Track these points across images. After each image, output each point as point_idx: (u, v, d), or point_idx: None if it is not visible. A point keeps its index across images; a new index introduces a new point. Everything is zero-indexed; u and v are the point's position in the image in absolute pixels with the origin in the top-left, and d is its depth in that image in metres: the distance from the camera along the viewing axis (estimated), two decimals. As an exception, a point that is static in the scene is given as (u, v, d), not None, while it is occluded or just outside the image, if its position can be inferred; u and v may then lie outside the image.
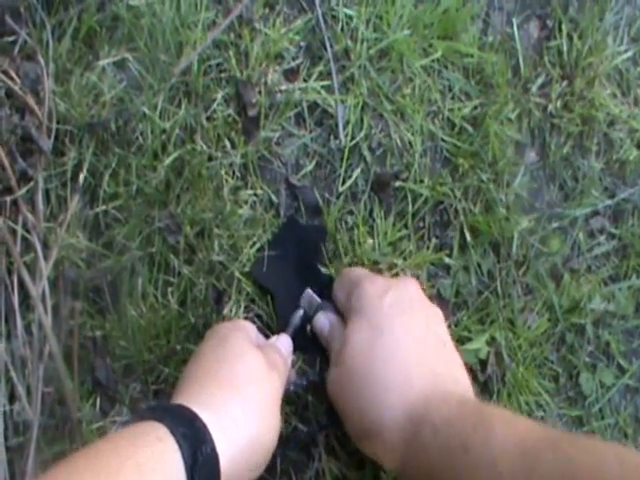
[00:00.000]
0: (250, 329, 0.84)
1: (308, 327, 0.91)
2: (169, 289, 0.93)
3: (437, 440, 0.70)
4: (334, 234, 0.97)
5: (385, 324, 0.81)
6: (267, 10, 0.99)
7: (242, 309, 0.93)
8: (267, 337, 0.88)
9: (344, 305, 0.88)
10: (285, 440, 0.84)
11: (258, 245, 0.94)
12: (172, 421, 0.62)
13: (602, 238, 1.13)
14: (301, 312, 0.91)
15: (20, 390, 0.88)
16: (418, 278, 1.00)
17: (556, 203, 1.11)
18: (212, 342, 0.78)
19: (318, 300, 0.92)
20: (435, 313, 0.88)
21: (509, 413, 0.75)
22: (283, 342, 0.87)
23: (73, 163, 0.91)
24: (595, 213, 1.13)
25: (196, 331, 0.92)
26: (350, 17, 1.01)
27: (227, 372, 0.72)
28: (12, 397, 0.89)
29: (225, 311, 0.92)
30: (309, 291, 0.93)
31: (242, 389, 0.71)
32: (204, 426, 0.64)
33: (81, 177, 0.90)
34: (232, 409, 0.68)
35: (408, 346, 0.80)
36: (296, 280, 0.95)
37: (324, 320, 0.90)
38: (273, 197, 0.96)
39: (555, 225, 1.10)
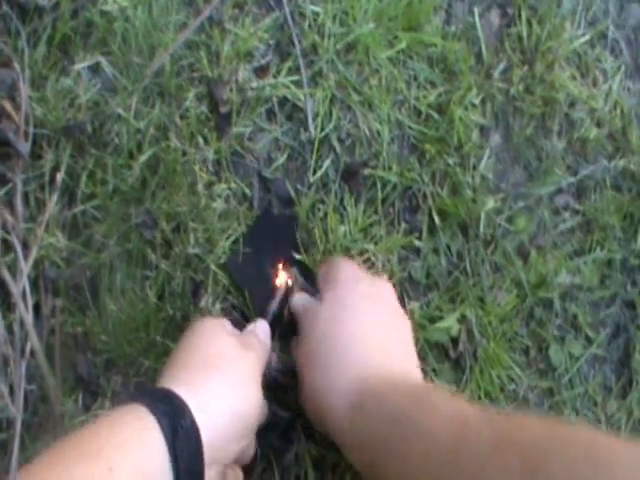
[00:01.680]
0: (225, 323, 0.86)
1: (286, 312, 0.95)
2: (147, 283, 0.96)
3: (381, 410, 0.74)
4: (307, 223, 1.01)
5: (354, 304, 0.86)
6: (236, 10, 1.01)
7: (219, 300, 0.97)
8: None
9: (322, 286, 0.92)
10: (265, 425, 0.88)
11: (233, 238, 0.98)
12: (151, 400, 0.65)
13: (566, 215, 1.17)
14: (278, 300, 0.95)
15: (3, 388, 0.90)
16: (389, 262, 1.04)
17: (521, 183, 1.15)
18: (187, 334, 0.81)
19: (301, 279, 0.96)
20: (404, 319, 0.93)
21: (450, 392, 0.80)
22: (260, 326, 0.89)
23: (51, 165, 0.93)
24: (559, 191, 1.17)
25: (174, 323, 0.95)
26: (317, 13, 1.04)
27: (203, 354, 0.75)
28: (-5, 395, 0.92)
29: (202, 303, 0.96)
30: (296, 269, 0.97)
31: (218, 366, 0.74)
32: (182, 402, 0.66)
33: (59, 178, 0.93)
34: (209, 384, 0.71)
35: (369, 330, 0.84)
36: (271, 271, 0.99)
37: (300, 299, 0.94)
38: (246, 190, 1.00)
39: (521, 204, 1.14)
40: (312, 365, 0.83)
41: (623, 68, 1.21)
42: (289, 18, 1.03)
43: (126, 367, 0.95)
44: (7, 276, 0.89)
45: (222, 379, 0.72)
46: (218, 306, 0.96)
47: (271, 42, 1.03)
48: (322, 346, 0.82)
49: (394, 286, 1.04)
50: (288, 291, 0.96)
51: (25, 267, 0.90)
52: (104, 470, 0.57)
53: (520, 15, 1.15)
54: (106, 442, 0.60)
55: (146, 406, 0.64)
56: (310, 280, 0.99)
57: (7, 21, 0.94)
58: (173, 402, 0.66)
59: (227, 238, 0.97)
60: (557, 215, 1.17)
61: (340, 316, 0.84)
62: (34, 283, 0.92)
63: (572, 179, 1.17)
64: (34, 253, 0.91)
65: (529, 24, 1.15)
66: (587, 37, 1.18)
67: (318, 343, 0.82)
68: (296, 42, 1.03)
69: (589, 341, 1.19)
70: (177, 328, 0.95)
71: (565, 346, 1.17)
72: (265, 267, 0.98)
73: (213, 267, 0.96)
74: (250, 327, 0.89)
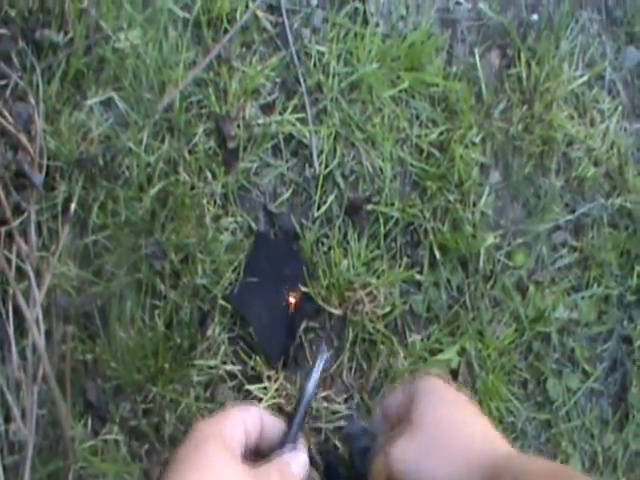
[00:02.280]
0: (237, 434, 0.67)
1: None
2: (156, 312, 0.98)
3: None
4: (311, 257, 1.04)
5: (451, 406, 0.76)
6: (244, 49, 1.05)
7: (225, 330, 0.99)
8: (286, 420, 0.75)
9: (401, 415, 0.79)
10: None
11: (239, 269, 1.01)
12: None
13: (564, 251, 1.20)
14: (316, 376, 0.75)
15: (15, 412, 0.92)
16: (391, 295, 1.06)
17: (520, 220, 1.18)
18: (186, 449, 0.64)
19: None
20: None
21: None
22: (299, 460, 0.70)
23: (63, 196, 0.96)
24: (557, 228, 1.20)
25: (182, 351, 0.98)
26: (322, 53, 1.07)
27: None
28: (7, 418, 0.93)
29: (209, 332, 0.98)
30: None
31: None
32: None
33: (71, 209, 0.96)
34: None
35: (469, 417, 0.76)
36: (274, 298, 1.02)
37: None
38: (252, 224, 1.02)
39: (519, 240, 1.17)
40: (427, 463, 0.71)
41: (620, 108, 1.25)
42: (295, 57, 1.07)
43: (134, 394, 0.97)
44: (22, 303, 0.91)
45: None
46: (225, 335, 0.98)
47: (277, 80, 1.06)
48: (441, 440, 0.72)
49: (396, 320, 1.07)
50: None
51: (38, 295, 0.92)
52: None
53: (520, 56, 1.18)
54: None
55: None
56: (314, 309, 1.02)
57: (23, 57, 0.98)
58: None
59: (234, 270, 1.00)
60: (555, 251, 1.19)
61: (440, 420, 0.74)
62: (46, 310, 0.94)
63: (570, 216, 1.20)
64: (47, 282, 0.94)
65: (528, 65, 1.18)
66: (585, 78, 1.22)
67: (435, 438, 0.72)
68: (302, 80, 1.06)
69: (586, 375, 1.21)
70: (184, 356, 0.97)
71: (563, 379, 1.19)
72: (270, 294, 1.01)
73: (220, 297, 0.99)
74: (285, 454, 0.71)
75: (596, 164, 1.22)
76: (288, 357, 1.03)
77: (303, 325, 1.03)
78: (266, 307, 1.01)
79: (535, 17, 1.22)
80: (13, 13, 0.99)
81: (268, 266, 1.02)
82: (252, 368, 1.01)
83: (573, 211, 1.21)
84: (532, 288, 1.17)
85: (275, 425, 0.72)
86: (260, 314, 1.00)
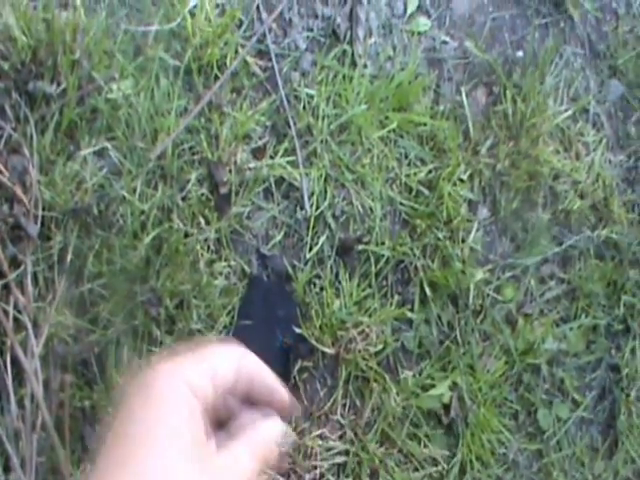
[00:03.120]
0: (203, 386, 0.50)
1: None
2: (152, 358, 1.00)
3: None
4: (304, 297, 1.05)
5: None
6: (234, 95, 1.07)
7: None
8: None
9: None
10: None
11: (233, 313, 1.02)
12: None
13: (552, 283, 1.22)
14: None
15: (15, 461, 0.93)
16: (383, 333, 1.08)
17: (508, 254, 1.20)
18: (141, 408, 0.48)
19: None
20: None
21: None
22: (278, 432, 0.55)
23: (59, 247, 0.97)
24: (545, 260, 1.22)
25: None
26: (311, 96, 1.09)
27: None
28: (7, 468, 0.94)
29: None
30: None
31: None
32: None
33: (67, 259, 0.97)
34: None
35: None
36: (269, 339, 1.04)
37: None
38: (245, 267, 1.04)
39: (508, 274, 1.19)
40: None
41: (604, 141, 1.27)
42: (285, 101, 1.09)
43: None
44: (20, 354, 0.93)
45: None
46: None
47: (268, 124, 1.08)
48: None
49: (388, 357, 1.09)
50: None
51: (36, 345, 0.94)
52: None
53: (505, 93, 1.21)
54: None
55: None
56: (308, 350, 1.04)
57: (16, 109, 0.99)
58: None
59: (228, 313, 1.02)
60: (543, 284, 1.22)
61: None
62: (44, 359, 0.96)
63: (557, 249, 1.22)
64: (45, 332, 0.95)
65: (514, 101, 1.21)
66: (569, 112, 1.24)
67: None
68: (292, 124, 1.08)
69: (576, 404, 1.23)
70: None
71: (553, 409, 1.21)
72: (264, 336, 1.03)
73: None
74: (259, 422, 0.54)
75: (582, 197, 1.24)
76: None
77: (297, 365, 1.05)
78: (261, 349, 1.02)
79: (520, 54, 1.24)
80: (6, 66, 1.00)
81: (262, 308, 1.04)
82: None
83: (560, 243, 1.23)
84: (521, 321, 1.19)
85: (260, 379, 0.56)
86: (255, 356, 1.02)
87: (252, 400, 0.55)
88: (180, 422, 0.48)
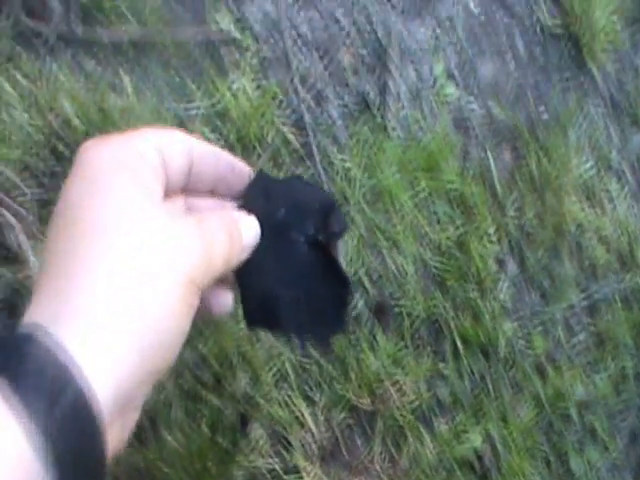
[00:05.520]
0: (151, 164, 0.47)
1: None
2: (200, 417, 1.07)
3: None
4: (340, 355, 1.12)
5: None
6: (271, 163, 1.14)
7: (267, 431, 1.08)
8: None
9: None
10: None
11: (277, 374, 1.09)
12: (16, 370, 0.37)
13: (581, 332, 1.28)
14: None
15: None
16: (418, 387, 1.15)
17: (537, 306, 1.25)
18: (76, 185, 0.44)
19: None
20: None
21: None
22: (249, 224, 0.52)
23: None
24: (573, 311, 1.28)
25: (225, 451, 1.06)
26: (346, 165, 1.16)
27: (102, 250, 0.41)
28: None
29: (252, 434, 1.07)
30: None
31: (132, 279, 0.41)
32: (63, 365, 0.38)
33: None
34: (110, 315, 0.40)
35: None
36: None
37: None
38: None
39: (537, 325, 1.25)
40: None
41: (628, 192, 1.33)
42: (320, 169, 1.16)
43: (184, 498, 1.06)
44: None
45: (132, 304, 0.41)
46: (264, 432, 1.07)
47: (306, 192, 1.15)
48: None
49: (422, 410, 1.15)
50: None
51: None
52: None
53: (530, 151, 1.27)
54: None
55: (8, 380, 0.37)
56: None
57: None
58: (48, 367, 0.38)
59: (273, 375, 1.09)
60: (572, 333, 1.27)
61: None
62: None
63: (584, 299, 1.27)
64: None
65: (538, 159, 1.26)
66: (593, 166, 1.30)
67: None
68: (327, 191, 1.15)
69: (607, 449, 1.28)
70: (228, 456, 1.06)
71: (584, 455, 1.26)
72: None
73: (260, 400, 1.08)
74: (228, 210, 0.53)
75: (607, 247, 1.29)
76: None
77: (340, 417, 1.12)
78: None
79: (544, 113, 1.30)
80: (65, 150, 1.09)
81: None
82: (290, 462, 1.10)
83: (587, 293, 1.28)
84: (551, 369, 1.24)
85: (228, 167, 0.52)
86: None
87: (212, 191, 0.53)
88: (130, 185, 0.44)
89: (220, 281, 0.50)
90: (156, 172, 0.47)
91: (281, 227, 0.56)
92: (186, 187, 0.52)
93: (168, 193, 0.49)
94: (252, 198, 0.55)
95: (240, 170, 0.53)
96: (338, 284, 0.56)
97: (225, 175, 0.53)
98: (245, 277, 0.54)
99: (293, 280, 0.56)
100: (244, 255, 0.50)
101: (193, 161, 0.50)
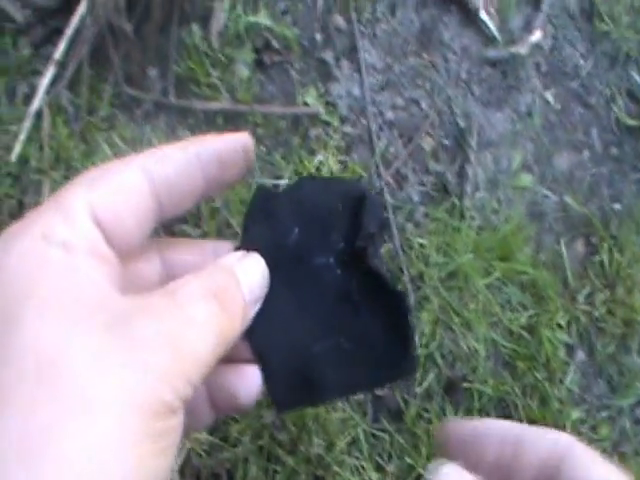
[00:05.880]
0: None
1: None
2: (276, 476, 1.12)
3: None
4: (412, 429, 1.16)
5: None
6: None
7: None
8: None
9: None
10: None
11: (349, 439, 1.13)
12: None
13: (647, 424, 1.29)
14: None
15: None
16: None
17: (604, 395, 1.27)
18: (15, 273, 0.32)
19: None
20: None
21: None
22: (251, 265, 0.40)
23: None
24: (640, 402, 1.30)
25: (298, 514, 1.11)
26: (423, 245, 1.22)
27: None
28: None
29: (323, 498, 1.11)
30: None
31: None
32: None
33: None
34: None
35: None
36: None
37: None
38: (361, 401, 1.16)
39: (604, 414, 1.26)
40: None
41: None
42: (399, 249, 1.22)
43: None
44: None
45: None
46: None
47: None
48: None
49: None
50: None
51: (177, 458, 1.07)
52: None
53: (602, 244, 1.31)
54: None
55: None
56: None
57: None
58: None
59: (345, 440, 1.13)
60: (638, 425, 1.28)
61: None
62: (181, 470, 1.09)
63: (652, 391, 1.29)
64: (185, 446, 1.09)
65: (611, 252, 1.30)
66: (664, 262, 1.33)
67: None
68: (405, 270, 1.21)
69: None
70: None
71: None
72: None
73: (333, 464, 1.12)
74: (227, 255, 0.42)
75: (676, 341, 1.32)
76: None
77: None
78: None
79: (617, 207, 1.34)
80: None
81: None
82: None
83: (655, 386, 1.30)
84: (617, 459, 1.25)
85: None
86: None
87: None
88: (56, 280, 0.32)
89: (231, 357, 0.38)
90: (94, 253, 0.34)
91: (298, 253, 0.42)
92: (164, 219, 0.39)
93: (129, 257, 0.36)
94: (252, 226, 0.42)
95: (231, 149, 0.40)
96: (391, 302, 0.41)
97: (211, 171, 0.40)
98: (260, 341, 0.41)
99: (327, 322, 0.41)
100: (251, 313, 0.38)
101: (159, 191, 0.37)
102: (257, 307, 0.39)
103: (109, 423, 0.29)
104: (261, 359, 0.42)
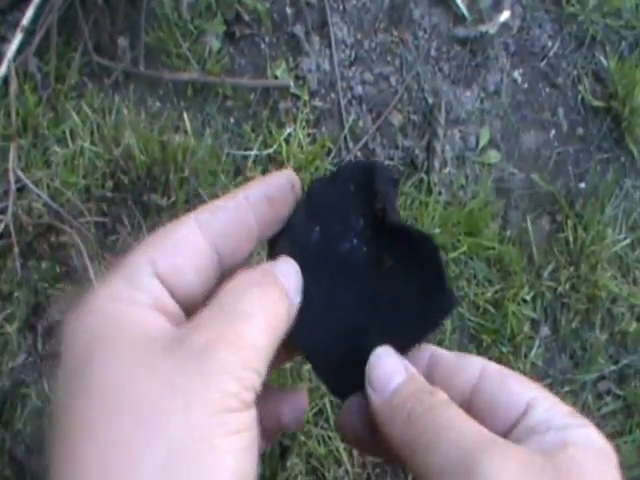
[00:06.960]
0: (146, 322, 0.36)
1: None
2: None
3: None
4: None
5: None
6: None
7: (304, 464, 1.12)
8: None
9: None
10: None
11: (316, 409, 1.14)
12: None
13: (609, 399, 1.31)
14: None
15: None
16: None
17: (567, 370, 1.29)
18: (64, 385, 0.35)
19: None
20: None
21: None
22: (281, 262, 0.41)
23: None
24: (602, 377, 1.31)
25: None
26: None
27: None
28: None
29: (288, 463, 1.11)
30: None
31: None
32: None
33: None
34: None
35: None
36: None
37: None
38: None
39: (567, 389, 1.28)
40: None
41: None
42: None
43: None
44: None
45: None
46: (302, 466, 1.11)
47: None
48: None
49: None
50: None
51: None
52: None
53: (567, 222, 1.32)
54: None
55: None
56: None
57: (132, 217, 1.15)
58: None
59: (312, 410, 1.13)
60: (600, 399, 1.30)
61: None
62: None
63: (614, 367, 1.31)
64: None
65: (575, 230, 1.32)
66: (628, 241, 1.35)
67: None
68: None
69: (630, 517, 1.29)
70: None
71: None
72: None
73: (300, 435, 1.12)
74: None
75: (638, 319, 1.33)
76: None
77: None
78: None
79: (582, 186, 1.36)
80: (125, 180, 1.17)
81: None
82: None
83: (617, 362, 1.32)
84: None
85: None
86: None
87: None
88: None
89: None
90: (158, 306, 0.37)
91: (323, 247, 0.44)
92: (225, 269, 0.41)
93: (193, 310, 0.37)
94: (277, 240, 0.44)
95: (278, 185, 0.42)
96: (420, 246, 0.42)
97: (262, 212, 0.41)
98: (307, 339, 0.42)
99: (367, 301, 0.43)
100: (294, 301, 0.40)
101: (216, 242, 0.39)
102: (298, 299, 0.40)
103: (184, 427, 0.31)
104: (310, 355, 0.43)
